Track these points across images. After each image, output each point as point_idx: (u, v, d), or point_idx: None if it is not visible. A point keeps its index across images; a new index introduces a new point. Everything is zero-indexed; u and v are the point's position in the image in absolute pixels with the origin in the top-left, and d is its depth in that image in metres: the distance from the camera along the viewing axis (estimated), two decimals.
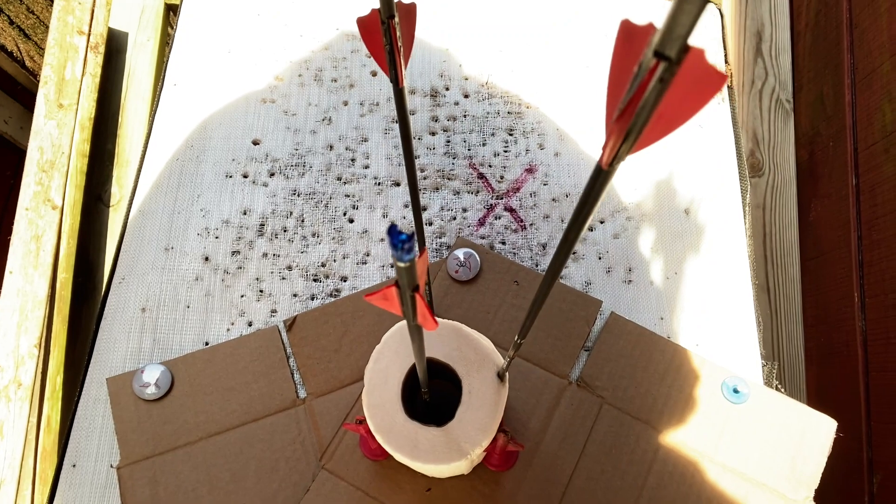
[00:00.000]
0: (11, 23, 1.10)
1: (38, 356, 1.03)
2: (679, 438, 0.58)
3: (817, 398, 1.07)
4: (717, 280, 0.66)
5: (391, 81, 0.26)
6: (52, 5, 1.14)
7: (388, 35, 0.23)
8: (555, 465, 0.57)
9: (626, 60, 0.12)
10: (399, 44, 0.24)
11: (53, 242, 1.06)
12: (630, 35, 0.13)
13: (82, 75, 1.16)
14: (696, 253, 0.67)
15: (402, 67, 0.25)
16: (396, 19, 0.23)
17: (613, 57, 0.13)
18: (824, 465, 0.57)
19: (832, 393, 1.08)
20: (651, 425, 0.59)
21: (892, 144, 1.04)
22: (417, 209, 0.34)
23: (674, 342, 0.62)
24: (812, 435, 0.58)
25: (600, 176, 0.16)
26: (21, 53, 1.14)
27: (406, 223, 0.65)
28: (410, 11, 0.23)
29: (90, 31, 1.17)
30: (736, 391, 0.59)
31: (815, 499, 0.57)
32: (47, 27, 1.15)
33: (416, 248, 0.14)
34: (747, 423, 0.59)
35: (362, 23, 0.23)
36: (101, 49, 1.19)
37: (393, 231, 0.15)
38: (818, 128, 1.22)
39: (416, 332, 0.25)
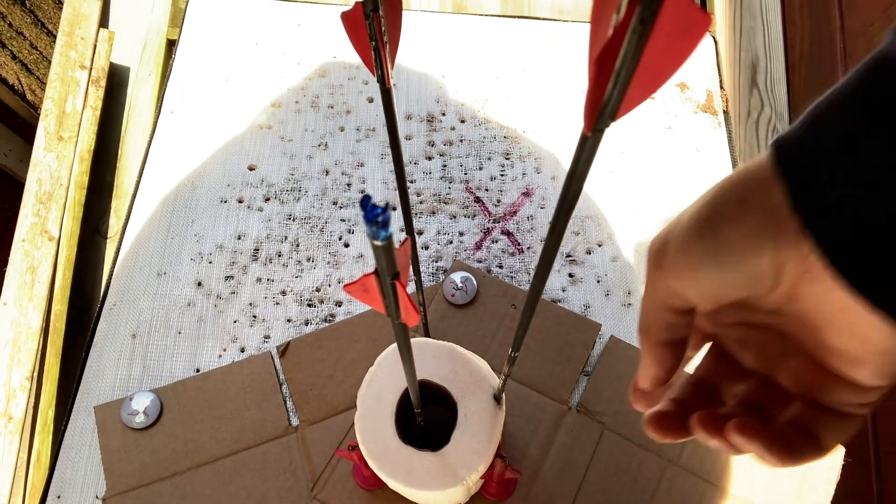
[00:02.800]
0: (14, 57, 1.12)
1: (30, 389, 1.01)
2: (683, 465, 0.56)
3: None
4: None
5: (377, 81, 0.26)
6: (55, 41, 1.16)
7: (372, 29, 0.23)
8: (555, 493, 0.56)
9: (606, 8, 0.12)
10: (385, 39, 0.23)
11: (49, 274, 1.05)
12: None
13: (83, 108, 1.16)
14: None
15: (389, 66, 0.25)
16: (381, 12, 0.22)
17: (592, 10, 0.13)
18: (832, 493, 0.55)
19: None
20: (654, 452, 0.57)
21: None
22: (407, 208, 0.33)
23: None
24: (819, 461, 0.56)
25: (586, 144, 0.15)
26: (22, 87, 1.15)
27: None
28: (396, 5, 0.23)
29: (92, 65, 1.18)
30: None
31: None
32: (50, 62, 1.16)
33: (393, 228, 0.13)
34: None
35: (346, 17, 0.23)
36: (103, 83, 1.20)
37: (366, 202, 0.14)
38: None
39: (402, 334, 0.24)
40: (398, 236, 0.65)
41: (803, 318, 0.23)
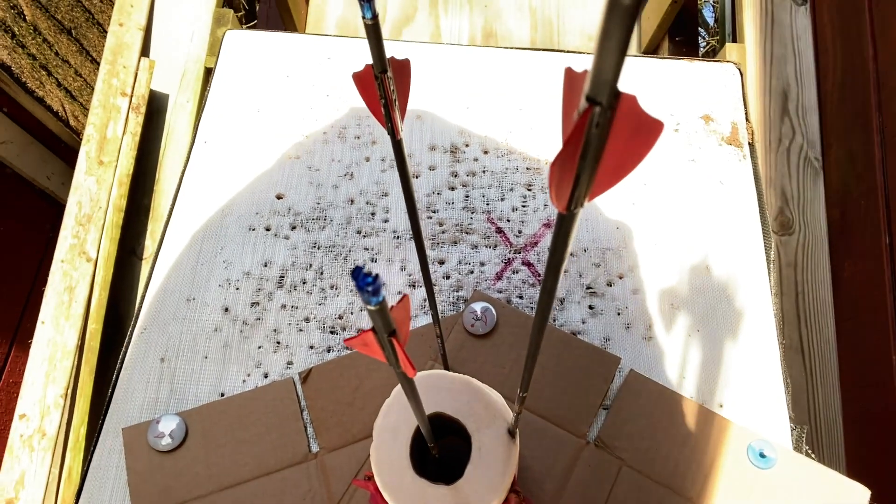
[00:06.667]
0: (59, 85, 1.17)
1: (64, 406, 1.04)
2: None
3: (858, 466, 1.02)
4: (742, 338, 0.64)
5: (388, 133, 0.27)
6: (98, 69, 1.20)
7: (381, 88, 0.24)
8: None
9: (571, 107, 0.13)
10: (393, 97, 0.25)
11: (86, 294, 1.09)
12: (572, 82, 0.13)
13: (123, 134, 1.21)
14: (719, 310, 0.66)
15: (398, 120, 0.26)
16: (389, 73, 0.24)
17: (563, 105, 0.14)
18: None
19: (873, 461, 1.03)
20: (673, 490, 0.56)
21: None
22: (423, 255, 0.34)
23: (696, 402, 0.60)
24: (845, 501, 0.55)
25: (563, 221, 0.16)
26: (66, 113, 1.20)
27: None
28: (404, 66, 0.24)
29: (132, 92, 1.23)
30: (763, 455, 0.57)
31: None
32: (93, 89, 1.21)
33: (384, 291, 0.14)
34: (775, 490, 0.56)
35: (358, 77, 0.24)
36: (143, 109, 1.25)
37: (357, 273, 0.15)
38: (849, 186, 1.20)
39: (405, 381, 0.25)
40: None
41: None
